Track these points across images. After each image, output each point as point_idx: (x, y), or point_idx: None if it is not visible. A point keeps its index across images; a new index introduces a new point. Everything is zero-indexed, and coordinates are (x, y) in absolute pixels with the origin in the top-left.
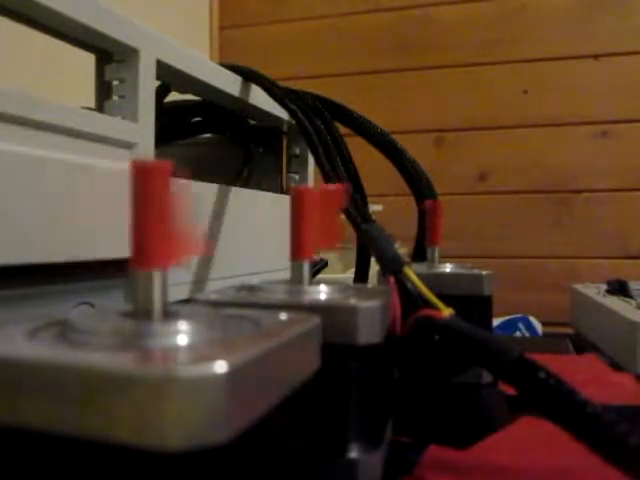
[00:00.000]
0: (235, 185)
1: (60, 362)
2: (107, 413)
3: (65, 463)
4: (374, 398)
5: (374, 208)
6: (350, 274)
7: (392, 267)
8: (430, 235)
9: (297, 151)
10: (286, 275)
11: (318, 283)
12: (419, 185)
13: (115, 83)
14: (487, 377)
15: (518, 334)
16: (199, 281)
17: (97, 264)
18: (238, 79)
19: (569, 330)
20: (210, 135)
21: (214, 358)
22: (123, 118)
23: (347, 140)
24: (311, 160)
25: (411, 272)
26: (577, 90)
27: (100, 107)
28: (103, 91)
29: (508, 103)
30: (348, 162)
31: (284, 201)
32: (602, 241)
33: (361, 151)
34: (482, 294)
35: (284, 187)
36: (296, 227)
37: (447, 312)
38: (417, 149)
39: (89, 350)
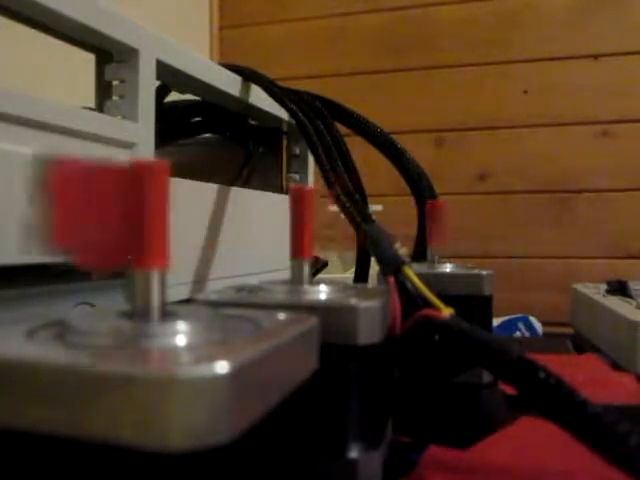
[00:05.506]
0: (235, 185)
1: (60, 363)
2: (108, 414)
3: (66, 465)
4: (374, 398)
5: (374, 208)
6: (350, 274)
7: (392, 267)
8: (431, 235)
9: (297, 151)
10: (286, 275)
11: (318, 283)
12: (419, 185)
13: (115, 83)
14: (487, 377)
15: (518, 334)
16: (199, 281)
17: None
18: (238, 79)
19: (569, 330)
20: (210, 135)
21: (215, 359)
22: (123, 118)
23: (347, 140)
24: (311, 160)
25: (411, 272)
26: (577, 90)
27: (100, 107)
28: (103, 91)
29: (508, 103)
30: (348, 162)
31: (284, 201)
32: (602, 241)
33: (361, 151)
34: (482, 294)
35: (284, 187)
36: (296, 227)
37: (447, 312)
38: (417, 149)
39: (89, 351)
